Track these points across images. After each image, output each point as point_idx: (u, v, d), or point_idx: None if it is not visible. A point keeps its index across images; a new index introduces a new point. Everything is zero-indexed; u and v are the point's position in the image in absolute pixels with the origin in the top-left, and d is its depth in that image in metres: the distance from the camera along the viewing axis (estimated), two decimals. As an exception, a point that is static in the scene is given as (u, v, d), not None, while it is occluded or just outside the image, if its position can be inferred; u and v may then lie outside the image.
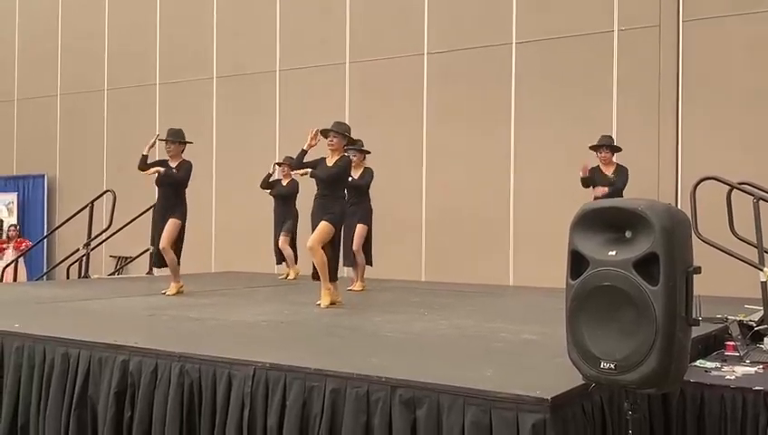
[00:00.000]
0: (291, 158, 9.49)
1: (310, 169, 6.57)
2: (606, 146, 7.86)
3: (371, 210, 8.10)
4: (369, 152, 8.14)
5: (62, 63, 14.16)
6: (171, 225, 7.38)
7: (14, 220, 14.44)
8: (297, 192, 9.22)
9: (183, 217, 7.45)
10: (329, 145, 6.57)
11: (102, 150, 13.26)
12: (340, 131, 6.58)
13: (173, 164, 7.47)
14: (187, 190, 7.52)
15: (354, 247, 7.92)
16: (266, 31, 11.74)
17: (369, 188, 8.07)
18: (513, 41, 9.81)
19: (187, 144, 7.63)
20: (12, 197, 14.83)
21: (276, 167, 9.45)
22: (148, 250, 10.66)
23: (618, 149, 7.92)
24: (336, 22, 11.09)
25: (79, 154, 13.77)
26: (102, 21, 13.60)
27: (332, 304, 6.44)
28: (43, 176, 14.37)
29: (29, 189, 14.66)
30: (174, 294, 7.44)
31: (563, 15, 9.52)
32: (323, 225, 6.38)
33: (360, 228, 7.95)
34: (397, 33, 10.69)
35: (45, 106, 14.26)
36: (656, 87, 8.87)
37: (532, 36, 9.71)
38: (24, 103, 14.73)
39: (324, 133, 6.60)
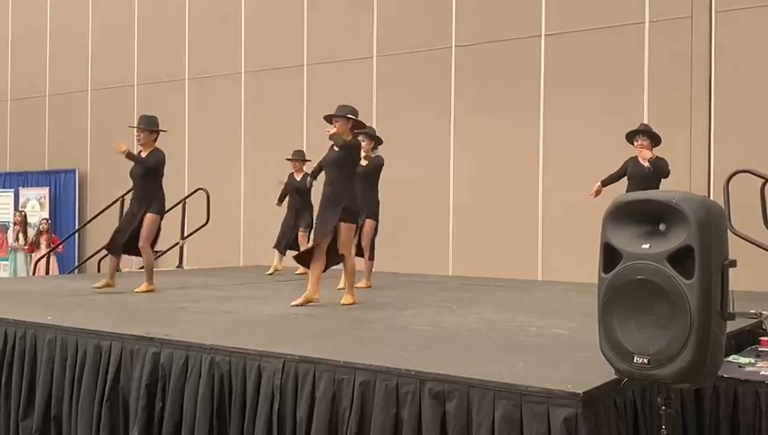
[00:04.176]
0: (300, 152, 9.48)
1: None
2: (643, 133, 7.35)
3: (379, 203, 7.70)
4: (380, 141, 7.73)
5: (92, 59, 14.30)
6: (149, 221, 7.00)
7: (45, 214, 14.64)
8: (311, 186, 9.10)
9: (160, 212, 7.09)
10: (331, 132, 6.19)
11: (133, 145, 13.25)
12: (343, 114, 6.14)
13: (143, 153, 7.13)
14: (164, 181, 7.16)
15: (363, 244, 7.51)
16: (294, 25, 11.75)
17: (378, 179, 7.67)
18: (543, 33, 9.73)
19: (161, 132, 7.18)
20: (44, 191, 15.02)
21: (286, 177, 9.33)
22: (177, 244, 10.79)
23: (657, 139, 7.40)
24: (364, 15, 11.07)
25: (109, 149, 13.82)
26: (132, 16, 13.71)
27: (309, 301, 6.08)
28: (75, 171, 14.53)
29: (60, 184, 14.84)
30: (143, 292, 7.01)
31: (593, 7, 9.42)
32: (344, 227, 6.06)
33: (368, 224, 7.54)
34: (425, 27, 10.65)
35: (76, 101, 14.41)
36: (688, 79, 8.74)
37: (561, 28, 9.62)
38: (55, 99, 14.91)
39: (328, 120, 6.28)
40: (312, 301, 6.09)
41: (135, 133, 7.20)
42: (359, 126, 6.39)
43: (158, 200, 7.12)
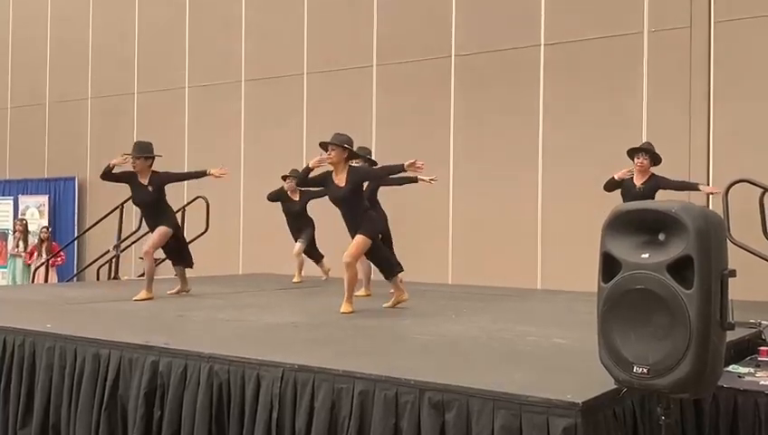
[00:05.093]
0: (296, 171, 9.43)
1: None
2: (645, 151, 7.34)
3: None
4: (375, 163, 7.69)
5: (92, 67, 14.33)
6: (158, 232, 7.25)
7: (45, 222, 14.63)
8: (306, 205, 9.12)
9: (171, 224, 7.35)
10: (327, 158, 6.31)
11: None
12: (339, 143, 6.25)
13: (143, 180, 7.21)
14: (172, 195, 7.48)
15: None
16: (294, 34, 11.78)
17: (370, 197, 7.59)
18: (542, 42, 9.75)
19: (156, 157, 7.31)
20: (43, 199, 15.02)
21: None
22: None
23: (657, 159, 7.40)
24: (364, 23, 11.10)
25: (109, 156, 13.67)
26: (133, 24, 13.74)
27: (399, 302, 6.65)
28: (74, 178, 14.53)
29: (60, 192, 14.84)
30: (142, 300, 7.13)
31: (592, 17, 9.44)
32: (358, 238, 6.23)
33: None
34: (424, 35, 10.66)
35: (76, 109, 14.42)
36: (687, 89, 8.76)
37: (560, 38, 9.64)
38: (55, 106, 14.92)
39: (323, 146, 6.38)
40: (401, 301, 6.65)
41: (131, 161, 7.25)
42: (353, 157, 6.48)
43: (167, 216, 7.38)
